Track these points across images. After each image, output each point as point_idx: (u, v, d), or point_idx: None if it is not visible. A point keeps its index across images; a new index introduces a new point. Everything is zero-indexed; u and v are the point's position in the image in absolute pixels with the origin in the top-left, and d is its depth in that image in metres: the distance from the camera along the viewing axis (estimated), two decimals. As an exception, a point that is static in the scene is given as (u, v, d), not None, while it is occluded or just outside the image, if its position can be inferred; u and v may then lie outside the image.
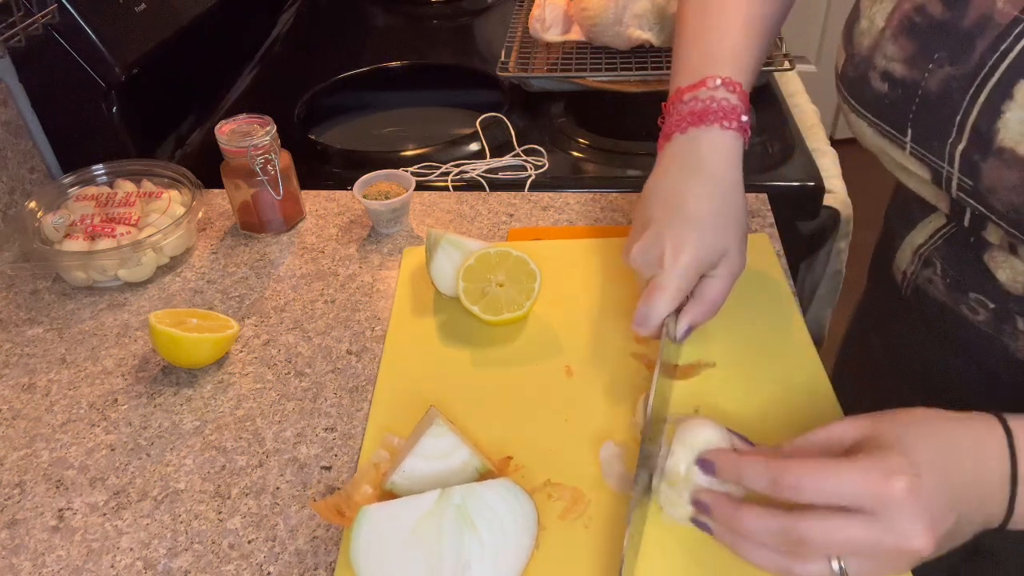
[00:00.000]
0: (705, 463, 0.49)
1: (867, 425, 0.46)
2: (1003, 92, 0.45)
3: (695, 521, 0.51)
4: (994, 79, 0.45)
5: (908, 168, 0.53)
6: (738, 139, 0.62)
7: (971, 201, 0.50)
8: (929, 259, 0.60)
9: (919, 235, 0.61)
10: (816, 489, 0.42)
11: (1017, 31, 0.45)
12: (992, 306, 0.56)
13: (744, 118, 0.61)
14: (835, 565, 0.42)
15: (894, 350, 0.72)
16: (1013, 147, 0.45)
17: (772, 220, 0.86)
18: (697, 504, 0.50)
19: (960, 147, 0.48)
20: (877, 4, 0.54)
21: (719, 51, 0.63)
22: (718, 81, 0.61)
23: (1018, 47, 0.44)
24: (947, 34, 0.48)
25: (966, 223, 0.54)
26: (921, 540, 0.41)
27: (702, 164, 0.60)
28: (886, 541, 0.41)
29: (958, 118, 0.48)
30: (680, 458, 0.51)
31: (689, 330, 0.61)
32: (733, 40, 0.63)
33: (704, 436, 0.51)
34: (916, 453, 0.42)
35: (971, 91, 0.47)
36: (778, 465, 0.44)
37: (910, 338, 0.68)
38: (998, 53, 0.45)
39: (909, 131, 0.51)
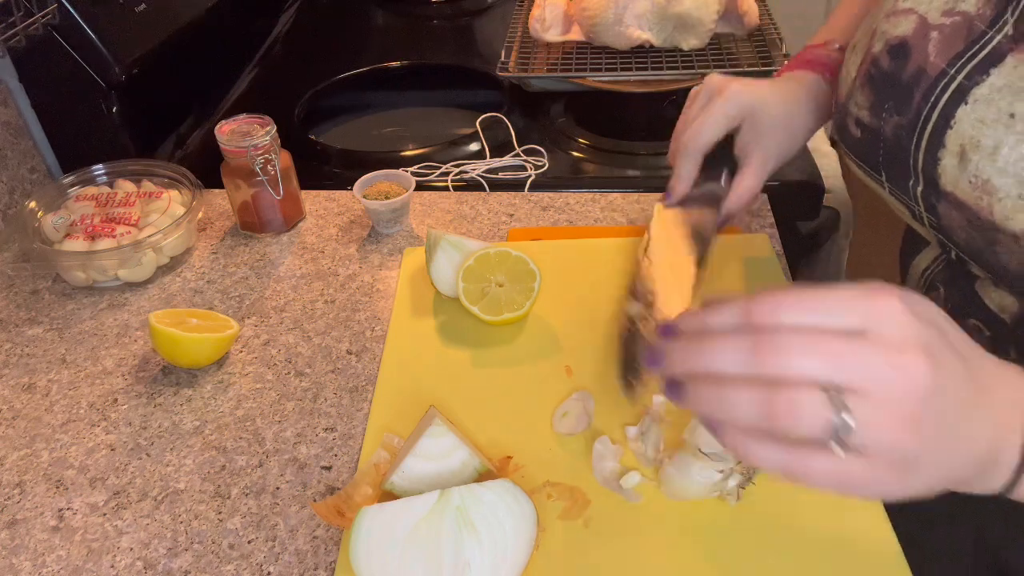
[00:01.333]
0: (666, 329, 0.38)
1: None
2: (937, 141, 0.48)
3: (668, 392, 0.38)
4: (928, 128, 0.49)
5: (894, 205, 0.56)
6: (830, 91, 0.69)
7: (942, 237, 0.52)
8: (933, 283, 0.61)
9: (924, 259, 0.63)
10: (796, 315, 0.34)
11: (943, 83, 0.48)
12: (988, 333, 0.56)
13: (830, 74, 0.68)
14: (834, 417, 0.32)
15: None
16: (953, 191, 0.48)
17: (772, 220, 0.86)
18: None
19: (919, 189, 0.51)
20: (852, 55, 0.58)
21: (844, 26, 0.72)
22: (836, 45, 0.70)
23: (944, 98, 0.48)
24: (893, 85, 0.52)
25: (953, 256, 0.54)
26: (917, 355, 0.32)
27: (789, 89, 0.69)
28: (876, 355, 0.32)
29: (911, 162, 0.51)
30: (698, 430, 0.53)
31: (725, 220, 0.68)
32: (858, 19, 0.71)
33: None
34: (922, 305, 0.35)
35: (915, 138, 0.50)
36: (749, 300, 0.35)
37: None
38: (929, 104, 0.49)
39: (883, 173, 0.55)
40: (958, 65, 0.47)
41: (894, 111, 0.51)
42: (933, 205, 0.50)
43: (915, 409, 0.33)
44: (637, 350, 0.58)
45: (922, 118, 0.49)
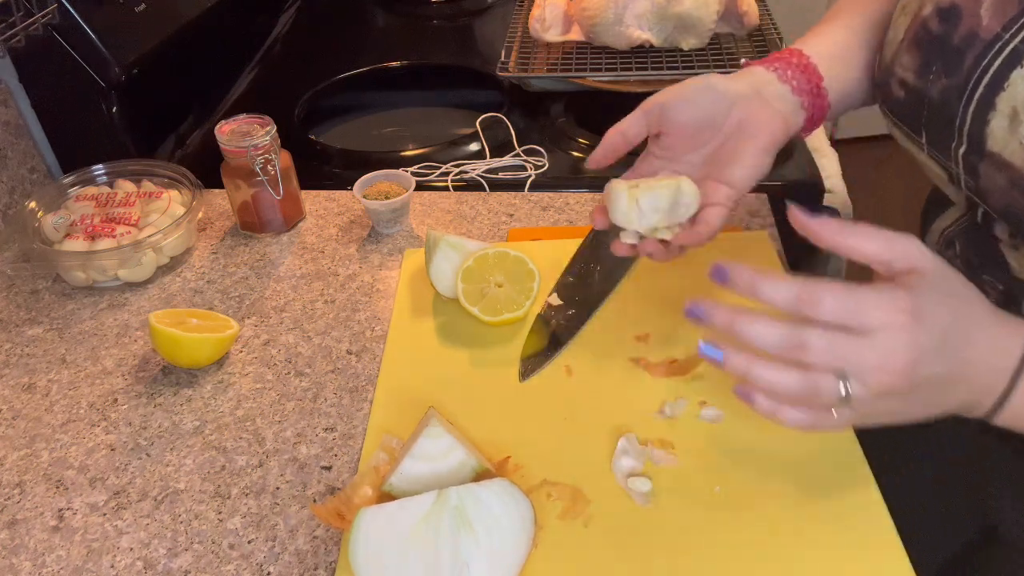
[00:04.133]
0: (720, 271, 0.48)
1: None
2: (987, 103, 0.50)
3: (704, 354, 0.49)
4: (979, 90, 0.50)
5: (929, 167, 0.58)
6: (774, 79, 0.65)
7: (976, 199, 0.54)
8: (951, 240, 0.64)
9: (945, 219, 0.65)
10: (835, 303, 0.44)
11: (997, 47, 0.49)
12: (1000, 287, 0.59)
13: (790, 72, 0.64)
14: (841, 387, 0.44)
15: None
16: (999, 152, 0.50)
17: (772, 220, 0.86)
18: (707, 344, 0.49)
19: (962, 150, 0.53)
20: (901, 17, 0.59)
21: (812, 39, 0.68)
22: (809, 58, 0.66)
23: (998, 62, 0.49)
24: (942, 47, 0.53)
25: (979, 219, 0.58)
26: (899, 372, 0.44)
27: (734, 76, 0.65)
28: (871, 357, 0.44)
29: (956, 124, 0.52)
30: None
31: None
32: (830, 34, 0.69)
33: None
34: (929, 301, 0.45)
35: (963, 100, 0.51)
36: (801, 281, 0.45)
37: None
38: (981, 67, 0.50)
39: (924, 134, 0.56)
40: (1013, 29, 0.48)
41: (942, 74, 0.53)
42: (974, 166, 0.52)
43: (897, 388, 0.45)
44: (548, 333, 0.71)
45: (972, 80, 0.50)
